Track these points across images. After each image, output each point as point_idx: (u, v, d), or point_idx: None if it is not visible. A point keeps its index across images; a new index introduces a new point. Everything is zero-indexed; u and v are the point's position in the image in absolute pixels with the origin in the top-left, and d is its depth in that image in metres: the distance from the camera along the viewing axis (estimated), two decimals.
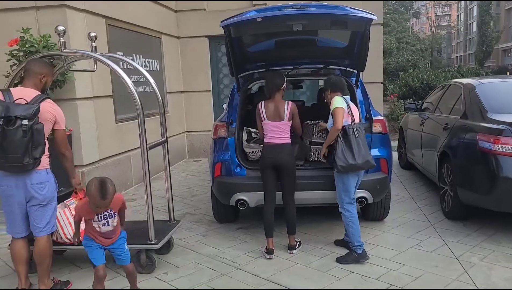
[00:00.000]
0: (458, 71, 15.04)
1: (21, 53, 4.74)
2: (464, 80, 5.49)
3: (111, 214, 2.91)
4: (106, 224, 2.91)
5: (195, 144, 9.15)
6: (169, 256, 3.96)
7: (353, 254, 3.68)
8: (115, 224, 2.96)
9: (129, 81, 3.38)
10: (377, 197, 4.17)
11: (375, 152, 4.15)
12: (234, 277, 3.52)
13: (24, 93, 3.10)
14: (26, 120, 2.92)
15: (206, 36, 8.79)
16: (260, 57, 4.74)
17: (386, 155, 4.22)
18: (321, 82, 8.16)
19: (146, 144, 3.47)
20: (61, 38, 3.42)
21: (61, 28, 3.40)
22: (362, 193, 3.99)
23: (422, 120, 6.10)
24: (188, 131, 9.17)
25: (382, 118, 4.36)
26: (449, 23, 70.90)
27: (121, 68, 3.53)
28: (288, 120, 3.86)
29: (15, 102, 3.02)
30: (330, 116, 3.74)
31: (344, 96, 3.76)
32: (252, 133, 4.46)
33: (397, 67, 18.84)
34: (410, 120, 7.02)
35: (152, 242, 3.59)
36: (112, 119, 6.26)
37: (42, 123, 3.04)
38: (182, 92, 8.99)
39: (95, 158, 5.75)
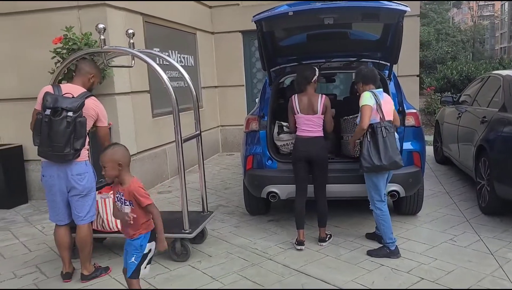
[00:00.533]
0: (499, 62, 14.42)
1: (64, 51, 4.99)
2: (504, 72, 5.32)
3: (122, 199, 2.65)
4: (121, 208, 2.67)
5: (229, 138, 9.29)
6: (203, 245, 4.09)
7: (385, 250, 3.67)
8: (128, 217, 2.58)
9: (165, 76, 3.51)
10: (409, 191, 4.13)
11: (407, 145, 4.13)
12: (264, 267, 3.60)
13: (71, 89, 3.32)
14: (71, 112, 3.14)
15: (239, 31, 8.89)
16: (292, 51, 4.78)
17: (419, 148, 4.17)
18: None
19: (181, 137, 3.59)
20: (101, 36, 3.59)
21: (101, 26, 3.57)
22: (394, 187, 3.97)
23: (459, 114, 5.95)
24: (222, 126, 9.32)
25: (415, 111, 4.30)
26: (492, 13, 67.79)
27: (157, 64, 3.67)
28: (322, 114, 3.85)
29: (63, 95, 3.23)
30: (360, 112, 3.67)
31: (375, 91, 3.65)
32: (284, 127, 4.50)
33: (435, 59, 18.24)
34: (446, 113, 6.85)
35: (187, 231, 3.72)
36: (149, 113, 6.47)
37: (85, 117, 3.23)
38: (216, 86, 9.14)
39: (133, 151, 5.97)
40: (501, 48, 63.70)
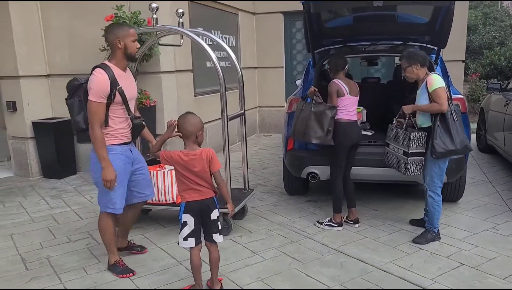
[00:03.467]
0: None
1: None
2: None
3: None
4: None
5: (266, 119, 9.37)
6: (243, 222, 4.22)
7: (431, 234, 3.66)
8: None
9: (213, 56, 3.60)
10: (451, 178, 4.09)
11: None
12: (303, 244, 3.70)
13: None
14: (66, 99, 3.16)
15: (281, 12, 8.85)
16: (337, 33, 4.75)
17: None
18: (397, 60, 7.95)
19: (227, 115, 3.70)
20: (154, 15, 3.71)
21: (154, 5, 3.68)
22: None
23: (506, 101, 5.77)
24: (260, 106, 9.39)
25: (462, 96, 4.22)
26: None
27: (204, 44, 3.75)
28: None
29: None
30: (422, 95, 3.51)
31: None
32: None
33: (481, 45, 17.47)
34: (492, 101, 6.64)
35: None
36: (191, 92, 6.62)
37: (72, 99, 3.09)
38: (255, 68, 9.19)
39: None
40: None
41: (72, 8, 5.92)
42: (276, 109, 9.17)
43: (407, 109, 3.64)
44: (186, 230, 2.79)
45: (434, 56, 4.36)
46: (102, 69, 2.98)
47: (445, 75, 4.29)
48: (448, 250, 3.51)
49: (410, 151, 3.55)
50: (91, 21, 5.69)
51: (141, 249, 3.60)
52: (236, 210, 3.89)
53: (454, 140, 3.40)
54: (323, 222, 4.05)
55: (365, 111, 4.93)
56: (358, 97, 3.98)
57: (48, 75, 6.25)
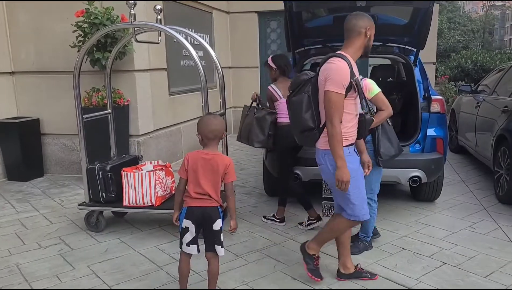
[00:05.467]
0: None
1: (85, 25, 4.96)
2: None
3: None
4: None
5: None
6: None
7: (364, 243, 3.54)
8: None
9: (195, 54, 3.49)
10: (431, 177, 4.15)
11: (431, 132, 4.13)
12: (287, 247, 3.64)
13: None
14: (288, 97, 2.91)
15: (255, 12, 8.79)
16: (318, 33, 4.72)
17: (443, 135, 4.17)
18: (371, 61, 8.03)
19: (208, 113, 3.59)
20: (132, 10, 3.56)
21: (132, 1, 3.53)
22: (416, 173, 3.99)
23: (477, 103, 5.93)
24: (234, 107, 9.29)
25: (440, 97, 4.29)
26: (504, 3, 66.69)
27: (174, 42, 3.63)
28: None
29: None
30: (376, 100, 3.20)
31: None
32: None
33: (447, 48, 18.11)
34: (463, 102, 6.82)
35: None
36: (166, 91, 6.45)
37: (299, 95, 2.78)
38: (229, 67, 9.09)
39: (150, 128, 5.98)
40: (510, 39, 62.92)
41: (40, 2, 5.64)
42: None
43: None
44: (188, 237, 2.64)
45: (413, 57, 4.41)
46: (340, 58, 2.65)
47: (424, 77, 4.35)
48: (430, 249, 3.53)
49: (324, 195, 3.63)
50: (60, 17, 5.44)
51: (371, 276, 3.08)
52: None
53: (392, 144, 3.30)
54: (267, 216, 4.19)
55: None
56: None
57: (13, 72, 5.93)
